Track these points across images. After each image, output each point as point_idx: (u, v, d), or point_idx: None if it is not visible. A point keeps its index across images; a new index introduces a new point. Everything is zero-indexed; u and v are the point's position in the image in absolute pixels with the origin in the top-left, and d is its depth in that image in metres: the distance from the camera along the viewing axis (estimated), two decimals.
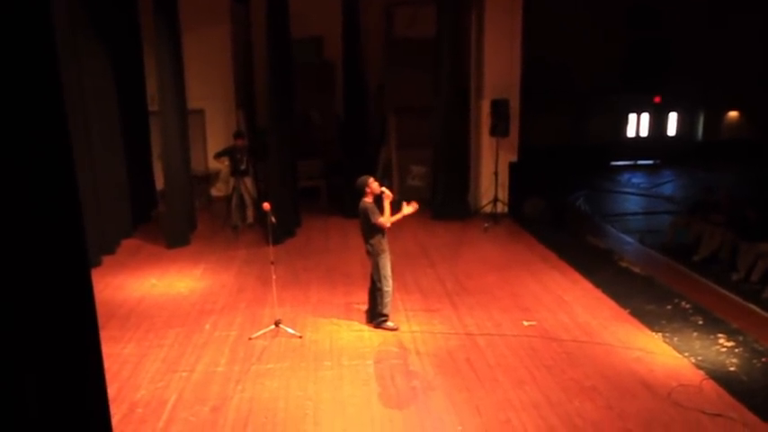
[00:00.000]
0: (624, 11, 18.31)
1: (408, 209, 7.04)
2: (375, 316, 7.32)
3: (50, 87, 2.44)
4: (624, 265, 9.40)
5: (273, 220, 7.21)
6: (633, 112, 20.01)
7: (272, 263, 7.34)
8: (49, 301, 2.45)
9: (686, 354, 6.48)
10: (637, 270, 9.13)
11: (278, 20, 10.82)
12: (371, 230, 7.09)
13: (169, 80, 10.53)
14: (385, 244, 7.15)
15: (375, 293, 7.26)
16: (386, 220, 7.02)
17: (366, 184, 7.08)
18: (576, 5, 16.69)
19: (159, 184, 12.23)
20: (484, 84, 12.08)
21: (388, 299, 7.23)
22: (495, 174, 11.83)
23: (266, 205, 7.27)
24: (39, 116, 2.36)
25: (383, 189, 7.10)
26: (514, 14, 11.83)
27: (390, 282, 7.22)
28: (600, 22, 17.53)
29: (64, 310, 2.54)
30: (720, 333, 6.90)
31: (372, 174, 7.74)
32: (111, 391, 6.00)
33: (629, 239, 10.84)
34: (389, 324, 7.28)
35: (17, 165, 2.24)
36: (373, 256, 7.15)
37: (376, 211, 7.06)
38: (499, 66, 11.87)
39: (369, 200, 7.10)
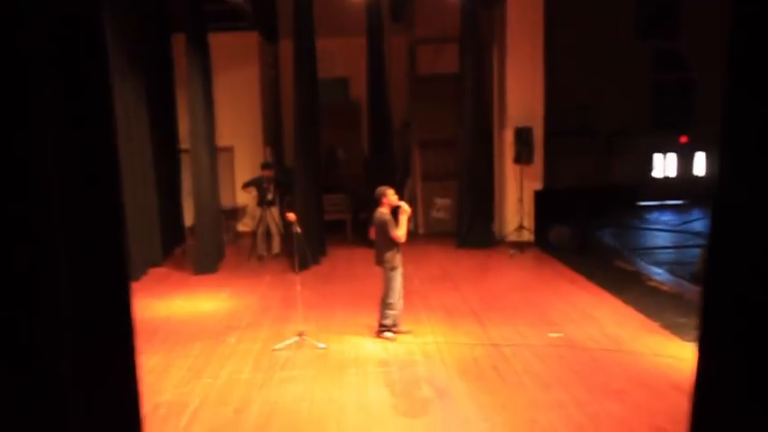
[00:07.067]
0: (649, 53, 18.43)
1: (404, 214, 7.04)
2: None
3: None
4: (653, 284, 9.24)
5: (299, 230, 7.28)
6: (659, 152, 19.89)
7: (297, 273, 7.39)
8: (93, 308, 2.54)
9: None
10: (666, 288, 8.97)
11: (306, 61, 11.03)
12: (388, 243, 7.07)
13: (201, 119, 10.76)
14: (399, 259, 7.15)
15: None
16: (402, 234, 7.02)
17: (384, 194, 7.11)
18: (598, 45, 16.85)
19: (188, 220, 12.43)
20: (507, 113, 12.22)
21: (391, 311, 7.20)
22: (521, 200, 11.83)
23: (291, 215, 7.36)
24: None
25: (401, 203, 7.13)
26: (536, 49, 12.02)
27: (398, 296, 7.20)
28: (624, 62, 17.64)
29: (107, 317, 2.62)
30: None
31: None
32: None
33: (657, 270, 10.60)
34: (388, 335, 7.23)
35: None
36: (386, 269, 7.15)
37: (393, 223, 7.04)
38: (522, 95, 11.98)
39: (385, 210, 7.11)
